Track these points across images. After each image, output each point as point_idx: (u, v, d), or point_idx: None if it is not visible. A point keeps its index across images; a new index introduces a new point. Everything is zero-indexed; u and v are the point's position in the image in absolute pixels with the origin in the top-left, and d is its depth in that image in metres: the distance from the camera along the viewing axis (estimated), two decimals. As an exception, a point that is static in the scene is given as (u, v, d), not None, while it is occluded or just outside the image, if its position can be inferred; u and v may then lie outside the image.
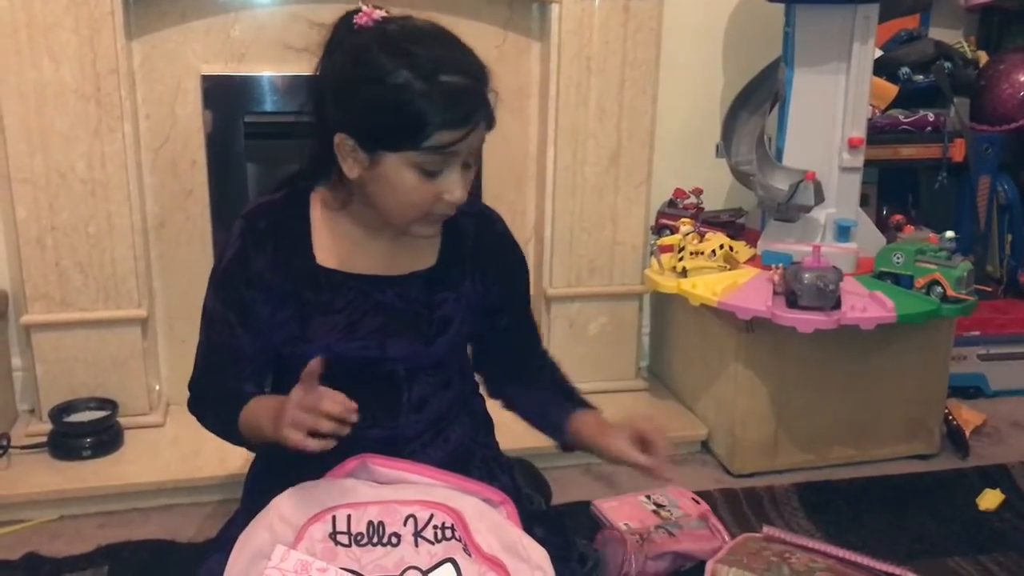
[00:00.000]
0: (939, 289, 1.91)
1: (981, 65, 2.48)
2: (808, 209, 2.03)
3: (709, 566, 1.58)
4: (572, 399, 1.45)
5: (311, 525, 1.11)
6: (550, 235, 2.18)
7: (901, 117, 2.32)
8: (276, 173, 2.09)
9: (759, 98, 2.21)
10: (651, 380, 2.36)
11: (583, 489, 1.92)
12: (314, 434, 1.08)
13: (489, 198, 2.21)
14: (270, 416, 1.15)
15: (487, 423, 1.47)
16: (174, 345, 2.10)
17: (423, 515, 1.13)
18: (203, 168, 2.04)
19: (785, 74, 2.07)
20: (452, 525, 1.12)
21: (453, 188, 1.18)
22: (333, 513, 1.12)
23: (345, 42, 1.18)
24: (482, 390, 1.49)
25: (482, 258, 1.35)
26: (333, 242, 1.29)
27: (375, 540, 1.10)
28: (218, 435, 1.36)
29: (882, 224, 2.28)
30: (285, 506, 1.15)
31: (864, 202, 2.24)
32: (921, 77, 2.36)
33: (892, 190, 2.53)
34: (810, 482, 1.97)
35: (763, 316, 1.85)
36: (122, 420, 1.97)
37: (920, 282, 1.93)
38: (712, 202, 2.36)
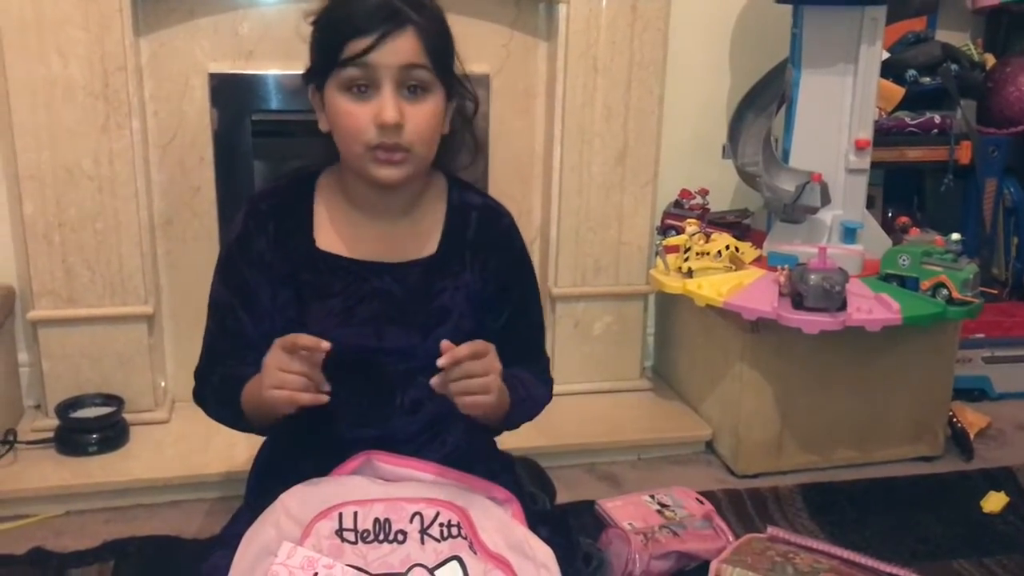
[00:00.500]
0: (945, 291, 1.91)
1: (988, 68, 2.47)
2: (814, 210, 2.03)
3: (713, 566, 1.58)
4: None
5: (318, 522, 1.11)
6: (556, 235, 2.18)
7: (908, 119, 2.32)
8: (286, 170, 2.11)
9: (766, 99, 2.21)
10: (656, 380, 2.36)
11: (587, 488, 1.93)
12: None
13: (495, 197, 2.20)
14: (259, 384, 1.17)
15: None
16: (180, 342, 2.11)
17: (429, 513, 1.13)
18: (210, 165, 2.04)
19: (792, 75, 2.07)
20: (458, 523, 1.12)
21: (381, 107, 1.17)
22: (340, 510, 1.12)
23: None
24: None
25: (482, 251, 1.33)
26: (333, 226, 1.30)
27: (381, 537, 1.10)
28: (222, 422, 1.36)
29: (888, 226, 2.28)
30: (292, 503, 1.15)
31: (870, 204, 2.24)
32: (928, 79, 2.36)
33: (898, 192, 2.53)
34: (814, 483, 1.97)
35: (768, 317, 1.85)
36: (128, 416, 1.98)
37: (926, 284, 1.93)
38: (718, 203, 2.37)
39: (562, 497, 1.75)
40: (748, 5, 2.32)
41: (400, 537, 1.10)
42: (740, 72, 2.35)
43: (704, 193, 2.29)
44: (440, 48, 1.22)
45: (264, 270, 1.28)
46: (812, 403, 2.01)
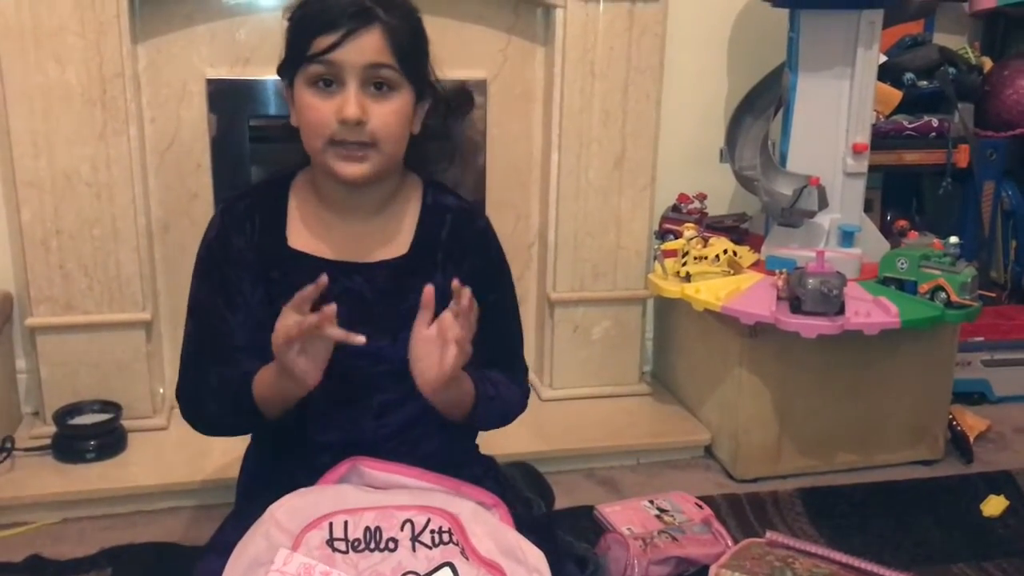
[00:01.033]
0: (943, 295, 1.90)
1: (985, 71, 2.48)
2: (812, 214, 2.03)
3: (712, 571, 1.58)
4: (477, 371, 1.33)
5: (308, 532, 1.10)
6: (554, 239, 2.18)
7: (905, 122, 2.32)
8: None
9: (763, 103, 2.21)
10: (654, 385, 2.35)
11: (586, 494, 1.92)
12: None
13: (493, 202, 2.21)
14: (277, 373, 1.17)
15: (468, 431, 1.43)
16: (178, 348, 2.08)
17: (420, 520, 1.12)
18: (208, 171, 2.04)
19: (789, 79, 2.07)
20: (449, 529, 1.12)
21: (344, 103, 1.18)
22: (330, 520, 1.11)
23: None
24: None
25: (455, 253, 1.32)
26: (306, 226, 1.30)
27: (372, 546, 1.10)
28: (220, 431, 1.35)
29: (886, 229, 2.28)
30: (281, 513, 1.14)
31: (868, 207, 2.24)
32: (925, 83, 2.36)
33: (896, 195, 2.53)
34: (814, 487, 1.97)
35: (767, 321, 1.85)
36: (126, 423, 1.97)
37: (924, 288, 1.93)
38: (716, 207, 2.36)
39: (561, 502, 1.75)
40: (745, 9, 2.32)
41: (391, 545, 1.10)
42: (737, 76, 2.35)
43: (702, 197, 2.29)
44: (408, 48, 1.21)
45: (245, 268, 1.28)
46: (811, 407, 2.01)
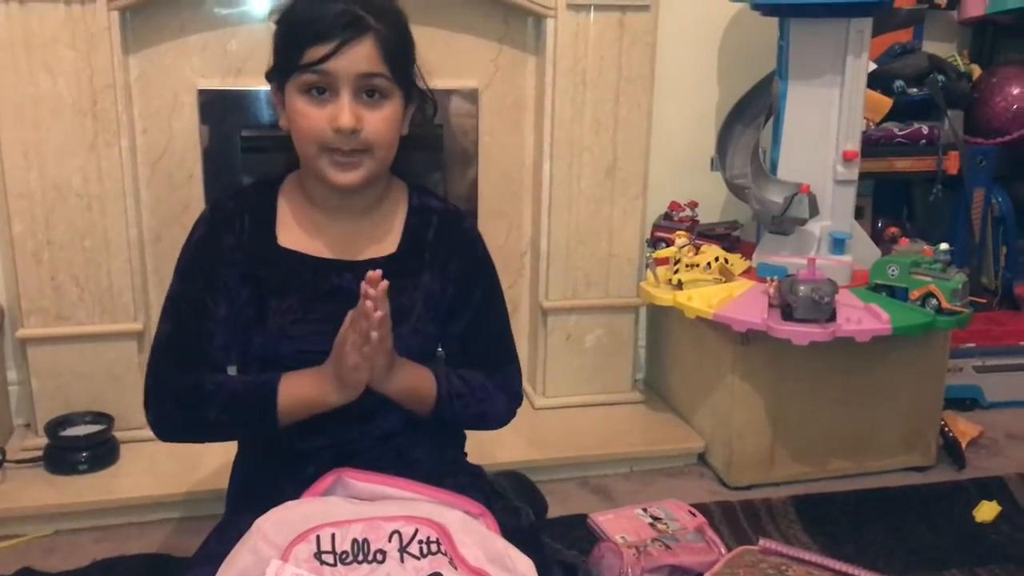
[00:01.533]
0: (934, 301, 1.91)
1: (974, 78, 2.49)
2: (803, 222, 2.03)
3: (706, 579, 1.58)
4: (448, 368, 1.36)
5: (295, 545, 1.10)
6: (546, 248, 2.19)
7: (896, 130, 2.34)
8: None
9: (754, 111, 2.22)
10: (647, 393, 2.36)
11: (579, 502, 1.92)
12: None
13: (485, 211, 2.22)
14: (316, 383, 1.22)
15: (456, 439, 1.45)
16: (170, 359, 2.10)
17: (408, 530, 1.12)
18: (199, 182, 2.04)
19: (779, 87, 2.08)
20: (437, 539, 1.12)
21: (339, 112, 1.19)
22: (317, 532, 1.11)
23: None
24: None
25: (442, 252, 1.34)
26: (296, 225, 1.31)
27: (360, 558, 1.10)
28: (204, 438, 1.33)
29: (877, 236, 2.29)
30: (268, 527, 1.13)
31: (859, 214, 2.25)
32: (915, 90, 2.37)
33: (887, 202, 2.54)
34: (807, 494, 1.97)
35: (759, 329, 1.85)
36: (118, 434, 1.97)
37: (915, 294, 1.94)
38: (707, 215, 2.37)
39: (554, 511, 1.75)
40: (735, 18, 2.33)
41: (379, 557, 1.10)
42: (728, 84, 2.36)
43: (693, 205, 2.30)
44: (399, 55, 1.23)
45: (234, 266, 1.28)
46: (804, 414, 2.02)
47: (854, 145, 2.06)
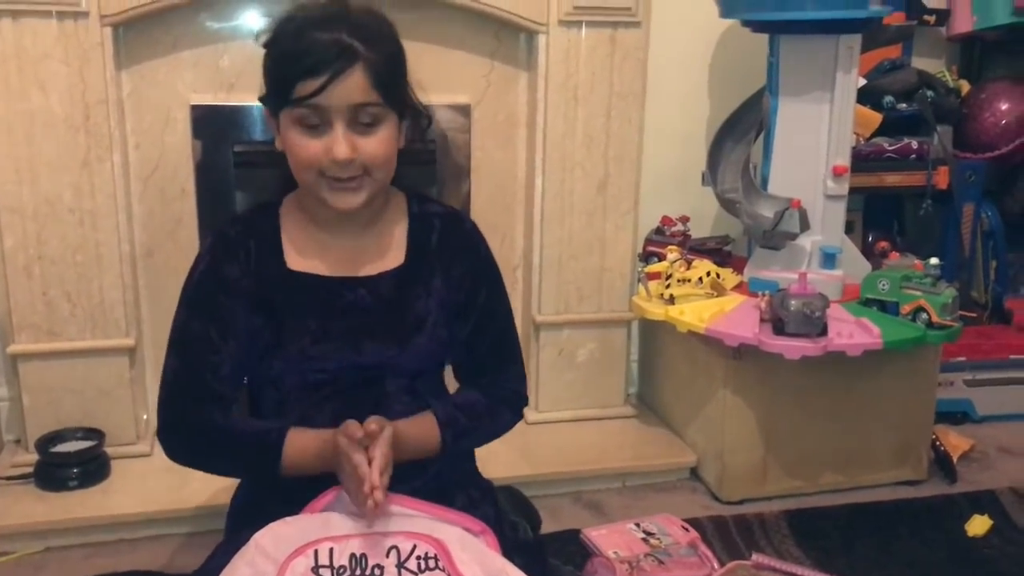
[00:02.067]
0: (925, 315, 1.92)
1: (963, 94, 2.51)
2: (794, 236, 2.04)
3: (698, 594, 1.58)
4: (444, 403, 1.36)
5: (293, 559, 1.10)
6: (539, 262, 2.19)
7: (885, 145, 2.35)
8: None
9: (744, 127, 2.23)
10: (640, 407, 2.36)
11: (572, 517, 1.92)
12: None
13: (478, 225, 2.21)
14: (319, 455, 1.21)
15: (469, 451, 1.46)
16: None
17: (406, 546, 1.12)
18: (192, 197, 2.04)
19: (770, 103, 2.09)
20: (435, 555, 1.12)
21: (333, 144, 1.19)
22: (315, 547, 1.11)
23: None
24: None
25: (446, 255, 1.35)
26: (303, 246, 1.31)
27: (358, 573, 1.10)
28: (211, 472, 1.35)
29: (867, 251, 2.30)
30: (266, 541, 1.14)
31: (849, 229, 2.26)
32: (904, 105, 2.38)
33: (877, 217, 2.56)
34: (799, 508, 1.97)
35: (750, 343, 1.86)
36: (109, 450, 1.96)
37: (906, 308, 1.95)
38: (699, 230, 2.38)
39: (547, 526, 1.75)
40: (725, 34, 2.35)
41: (377, 572, 1.10)
42: (718, 100, 2.37)
43: (685, 220, 2.31)
44: (391, 78, 1.22)
45: (239, 297, 1.28)
46: (796, 428, 2.02)
47: (844, 160, 2.07)
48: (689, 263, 2.12)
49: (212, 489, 1.84)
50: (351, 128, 1.20)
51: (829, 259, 2.08)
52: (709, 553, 1.73)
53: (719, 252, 2.30)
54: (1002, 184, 2.56)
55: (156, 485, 1.90)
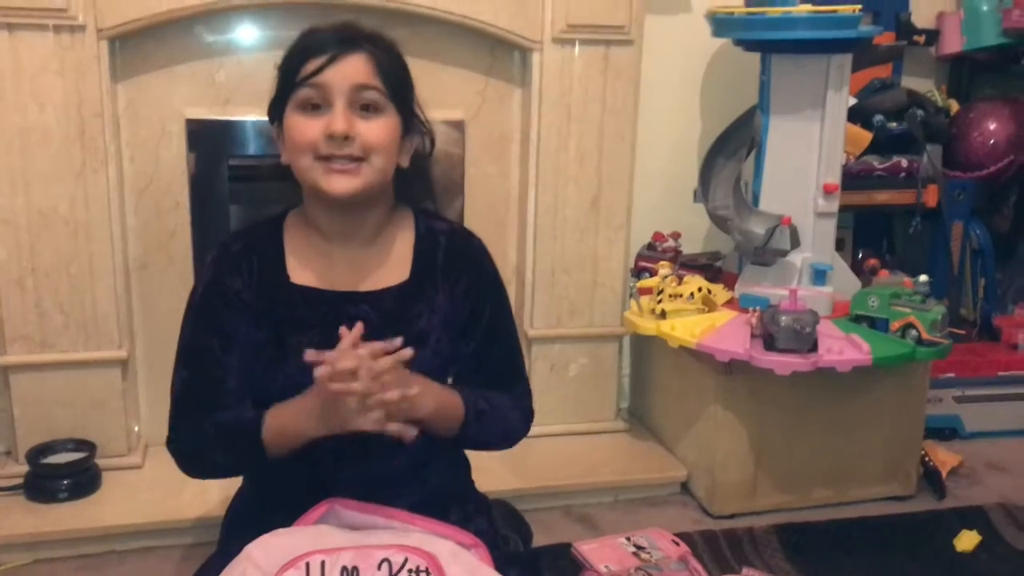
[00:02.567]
0: (914, 332, 1.93)
1: (952, 113, 2.53)
2: (784, 253, 2.06)
3: (689, 608, 1.58)
4: (471, 388, 1.35)
5: (285, 572, 1.10)
6: (531, 277, 2.20)
7: (875, 163, 2.37)
8: (259, 215, 2.11)
9: (735, 144, 2.24)
10: (631, 421, 2.36)
11: (563, 531, 1.92)
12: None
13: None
14: (296, 416, 1.20)
15: (464, 464, 1.46)
16: (154, 386, 2.09)
17: (397, 559, 1.12)
18: (186, 210, 2.05)
19: (761, 121, 2.11)
20: (427, 568, 1.12)
21: (333, 119, 1.20)
22: (307, 559, 1.11)
23: None
24: None
25: (453, 272, 1.35)
26: (306, 260, 1.31)
27: None
28: (221, 476, 1.36)
29: (857, 268, 2.31)
30: (258, 553, 1.14)
31: (840, 246, 2.28)
32: (894, 124, 2.40)
33: (867, 235, 2.57)
34: (789, 523, 1.98)
35: (741, 358, 1.87)
36: (100, 462, 1.96)
37: (895, 325, 1.96)
38: (690, 246, 2.39)
39: (538, 540, 1.75)
40: (717, 53, 2.37)
41: (368, 584, 1.10)
42: (710, 118, 2.39)
43: (676, 236, 2.32)
44: (393, 75, 1.25)
45: (241, 310, 1.28)
46: (786, 443, 2.03)
47: (834, 178, 2.09)
48: (680, 279, 2.13)
49: (203, 501, 1.84)
50: (351, 109, 1.22)
51: (819, 276, 2.10)
52: (699, 567, 1.73)
53: (710, 268, 2.32)
54: (991, 202, 2.58)
55: (147, 497, 1.90)
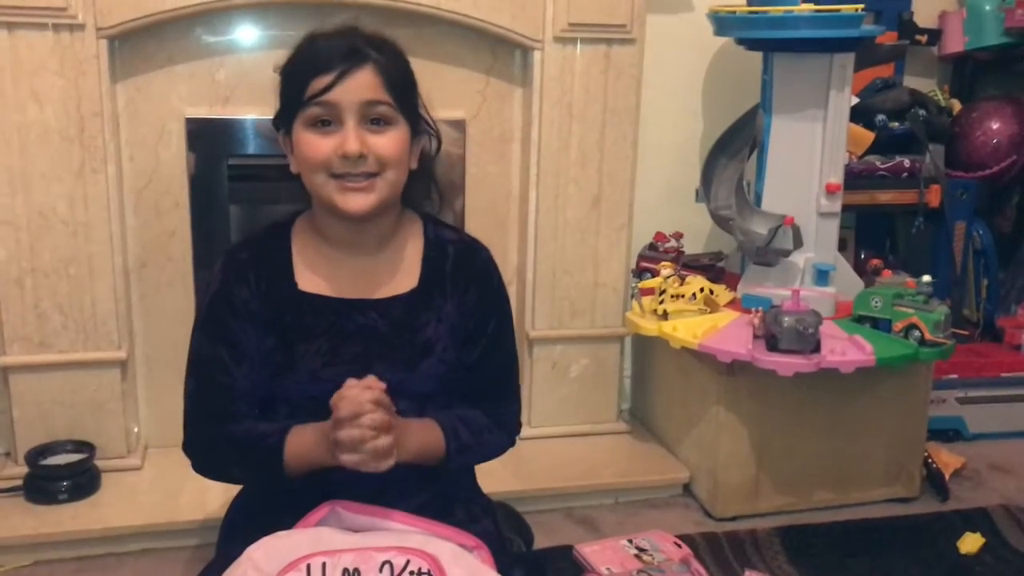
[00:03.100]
0: (917, 333, 1.92)
1: (955, 113, 2.53)
2: (787, 253, 2.05)
3: (691, 611, 1.57)
4: (452, 416, 1.35)
5: (286, 574, 1.10)
6: (532, 277, 2.19)
7: (878, 163, 2.36)
8: (259, 215, 2.11)
9: (738, 144, 2.24)
10: (633, 423, 2.35)
11: (565, 533, 1.91)
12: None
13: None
14: (316, 446, 1.20)
15: (469, 466, 1.46)
16: (154, 387, 2.09)
17: (399, 561, 1.12)
18: (186, 209, 2.04)
19: (763, 121, 2.10)
20: (428, 570, 1.12)
21: (344, 139, 1.20)
22: (308, 561, 1.11)
23: None
24: None
25: (461, 282, 1.35)
26: (314, 268, 1.31)
27: None
28: (237, 483, 1.37)
29: (860, 268, 2.30)
30: (259, 555, 1.13)
31: (842, 246, 2.27)
32: (897, 124, 2.40)
33: (870, 235, 2.57)
34: (792, 525, 1.97)
35: (744, 359, 1.86)
36: (100, 463, 1.95)
37: (898, 326, 1.95)
38: (692, 246, 2.39)
39: (539, 542, 1.75)
40: (719, 52, 2.36)
41: (369, 586, 1.09)
42: (712, 117, 2.38)
43: (678, 236, 2.31)
44: (401, 84, 1.25)
45: (249, 319, 1.28)
46: (788, 445, 2.02)
47: (837, 178, 2.09)
48: (682, 279, 2.12)
49: (202, 503, 1.83)
50: (362, 125, 1.21)
51: (822, 276, 2.09)
52: (702, 570, 1.72)
53: (712, 268, 2.31)
54: (993, 202, 2.57)
55: (146, 499, 1.90)
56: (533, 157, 2.13)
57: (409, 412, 1.29)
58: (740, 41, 2.14)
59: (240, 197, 2.09)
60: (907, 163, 2.37)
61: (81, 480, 1.89)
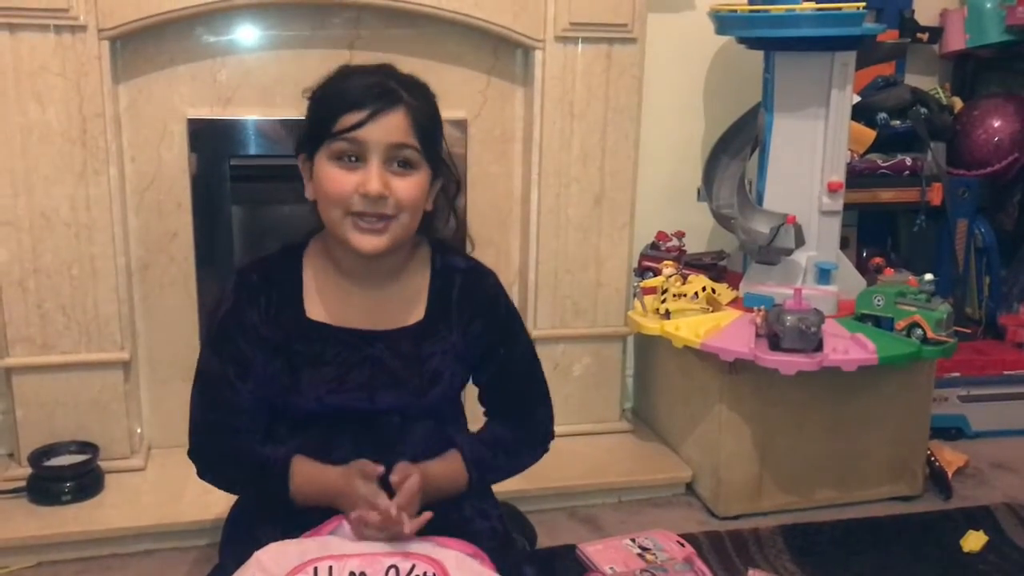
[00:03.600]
0: (919, 331, 1.92)
1: (956, 111, 2.52)
2: (789, 252, 2.05)
3: (695, 610, 1.57)
4: (470, 440, 1.40)
5: None
6: (534, 277, 2.19)
7: (879, 161, 2.36)
8: (261, 216, 2.12)
9: (739, 143, 2.24)
10: (635, 422, 2.36)
11: (568, 533, 1.91)
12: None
13: (474, 240, 2.22)
14: (331, 494, 1.25)
15: None
16: (157, 388, 2.09)
17: (405, 566, 1.13)
18: (188, 210, 2.04)
19: (765, 119, 2.10)
20: (434, 574, 1.12)
21: (367, 178, 1.21)
22: (315, 565, 1.12)
23: None
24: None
25: (467, 312, 1.36)
26: (322, 296, 1.32)
27: None
28: (238, 494, 1.40)
29: (862, 267, 2.30)
30: (266, 558, 1.14)
31: (844, 245, 2.27)
32: (898, 122, 2.40)
33: (872, 233, 2.57)
34: (795, 524, 1.97)
35: (746, 358, 1.86)
36: (103, 464, 1.95)
37: (900, 324, 1.95)
38: (694, 245, 2.38)
39: (542, 541, 1.75)
40: (721, 51, 2.36)
41: (376, 589, 1.10)
42: (714, 116, 2.38)
43: (680, 235, 2.31)
44: (428, 129, 1.26)
45: (258, 342, 1.30)
46: (791, 444, 2.02)
47: (839, 176, 2.08)
48: (685, 278, 2.12)
49: (205, 504, 1.83)
50: (386, 166, 1.22)
51: (824, 275, 2.09)
52: (705, 569, 1.72)
53: (714, 267, 2.31)
54: (995, 200, 2.57)
55: (149, 500, 1.90)
56: (535, 156, 2.13)
57: (426, 429, 1.32)
58: (741, 40, 2.14)
59: (242, 198, 2.09)
60: (909, 161, 2.37)
61: (84, 481, 1.89)
